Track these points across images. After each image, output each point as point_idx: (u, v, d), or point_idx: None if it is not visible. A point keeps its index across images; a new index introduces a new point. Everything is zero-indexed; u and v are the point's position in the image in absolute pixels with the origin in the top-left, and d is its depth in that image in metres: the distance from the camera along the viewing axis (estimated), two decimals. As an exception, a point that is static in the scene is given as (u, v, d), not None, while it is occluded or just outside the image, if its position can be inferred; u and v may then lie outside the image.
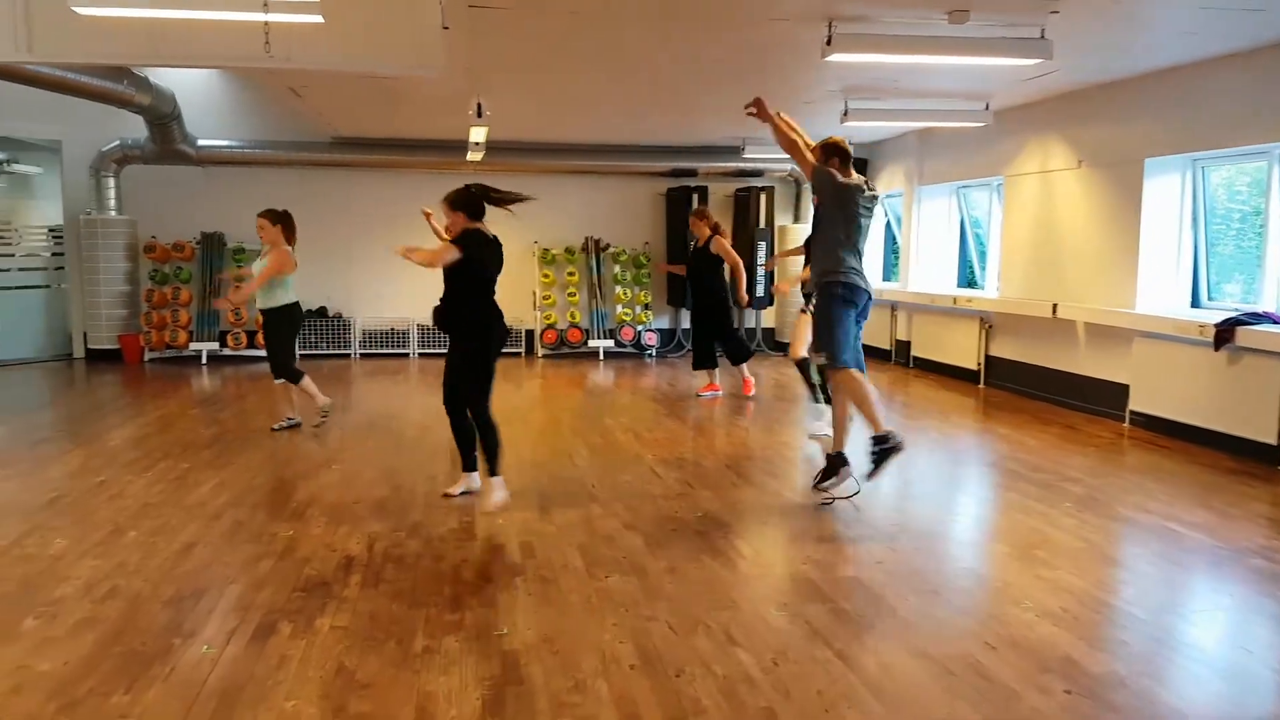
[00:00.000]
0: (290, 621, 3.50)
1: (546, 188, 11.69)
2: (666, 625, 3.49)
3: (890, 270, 12.15)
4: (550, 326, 11.74)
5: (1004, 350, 9.22)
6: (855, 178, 5.15)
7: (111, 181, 10.67)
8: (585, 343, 11.75)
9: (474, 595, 3.78)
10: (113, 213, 10.71)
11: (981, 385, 9.41)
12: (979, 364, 9.49)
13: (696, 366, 8.77)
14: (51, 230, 11.33)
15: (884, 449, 4.95)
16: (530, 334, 11.87)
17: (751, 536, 4.61)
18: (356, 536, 4.51)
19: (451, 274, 4.95)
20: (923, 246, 10.82)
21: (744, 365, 8.62)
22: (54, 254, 11.30)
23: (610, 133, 10.79)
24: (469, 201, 4.97)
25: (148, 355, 10.88)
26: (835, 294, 5.01)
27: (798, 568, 4.17)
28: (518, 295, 11.06)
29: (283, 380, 6.93)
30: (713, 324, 8.51)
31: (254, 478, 5.63)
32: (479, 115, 8.23)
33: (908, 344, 10.88)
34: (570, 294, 11.92)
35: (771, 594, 3.86)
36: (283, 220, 6.80)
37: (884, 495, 5.54)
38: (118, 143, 10.46)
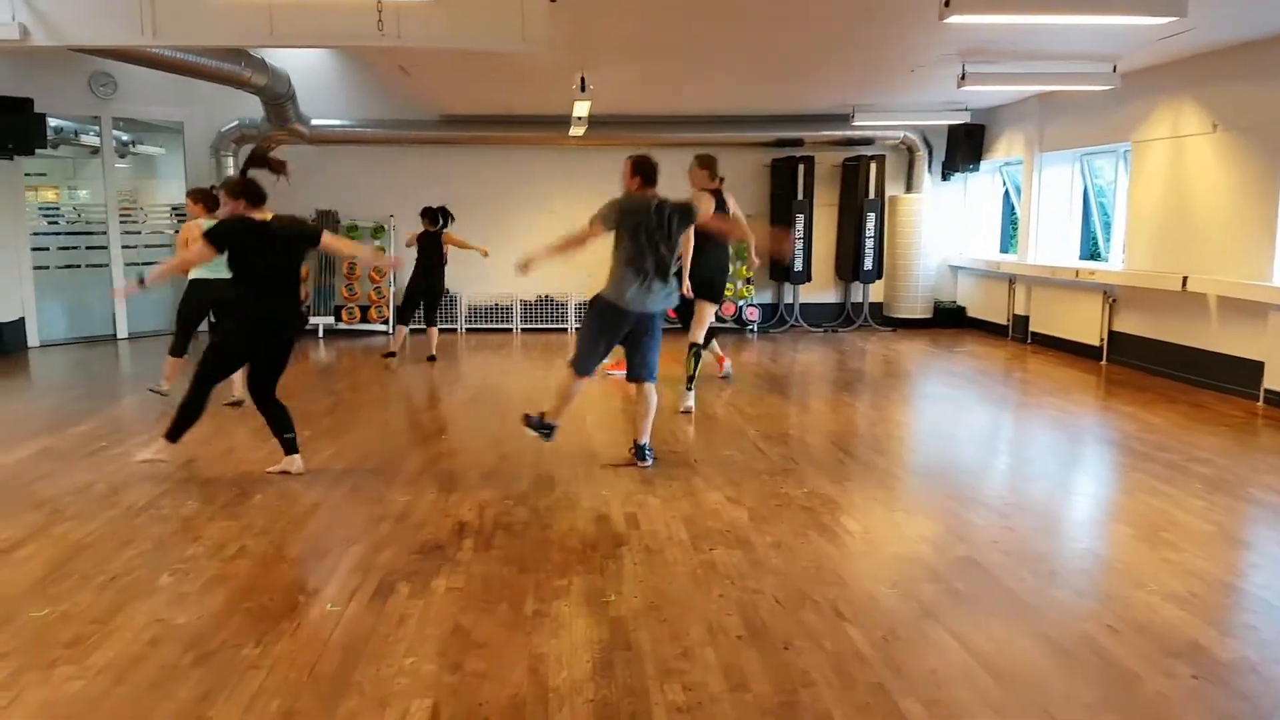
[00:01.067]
0: (408, 582, 3.61)
1: (648, 161, 11.77)
2: (773, 599, 3.46)
3: (1008, 242, 11.72)
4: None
5: (1129, 325, 8.80)
6: (649, 194, 5.17)
7: (230, 161, 11.10)
8: (686, 317, 11.72)
9: (581, 562, 3.83)
10: (234, 191, 11.15)
11: (1104, 362, 9.01)
12: (1102, 339, 9.08)
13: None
14: (174, 209, 11.89)
15: (543, 428, 5.30)
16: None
17: (859, 514, 4.53)
18: (468, 503, 4.62)
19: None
20: (1043, 217, 10.38)
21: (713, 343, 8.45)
22: (176, 231, 11.85)
23: (712, 103, 10.67)
24: (244, 188, 5.10)
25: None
26: (599, 307, 5.17)
27: (909, 546, 4.08)
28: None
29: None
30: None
31: (369, 445, 5.83)
32: (582, 90, 8.25)
33: (1026, 319, 10.49)
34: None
35: (881, 572, 3.79)
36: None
37: (999, 474, 5.40)
38: (236, 123, 10.88)
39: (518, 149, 11.55)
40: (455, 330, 11.77)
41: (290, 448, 5.17)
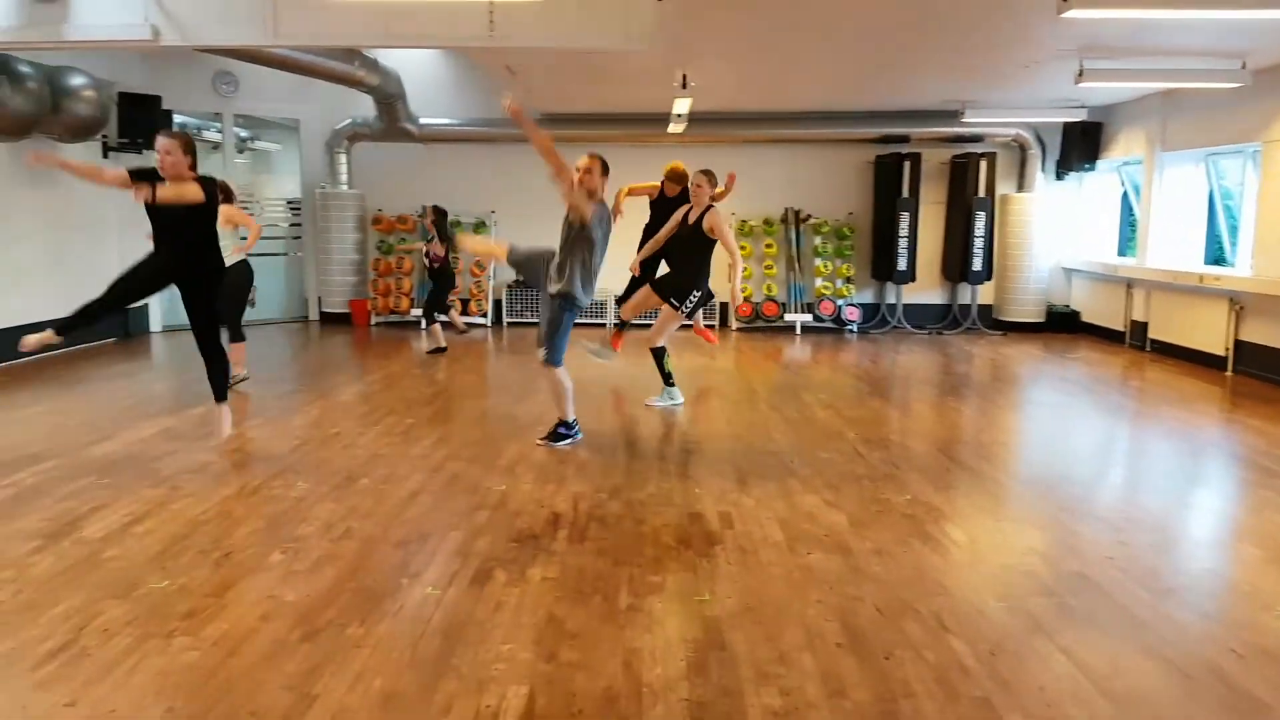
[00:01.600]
0: (505, 570, 3.66)
1: (745, 158, 11.61)
2: (874, 607, 3.38)
3: (1126, 244, 11.22)
4: (745, 300, 11.66)
5: (1257, 334, 8.32)
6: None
7: (343, 158, 11.48)
8: (781, 316, 11.59)
9: (674, 560, 3.81)
10: (344, 187, 11.53)
11: (1229, 372, 8.54)
12: (1227, 349, 8.61)
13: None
14: (289, 202, 12.36)
15: (565, 434, 5.64)
16: (724, 306, 11.84)
17: (965, 523, 4.39)
18: (562, 495, 4.65)
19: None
20: (1164, 219, 9.90)
21: None
22: (292, 224, 12.32)
23: (815, 100, 10.52)
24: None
25: (374, 319, 11.69)
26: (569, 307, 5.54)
27: (1018, 558, 3.94)
28: (714, 267, 11.03)
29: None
30: None
31: (469, 434, 5.93)
32: (683, 87, 8.23)
33: (1144, 325, 10.02)
34: (767, 266, 11.77)
35: (988, 584, 3.66)
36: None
37: (1114, 487, 5.17)
38: (349, 121, 11.24)
39: (616, 147, 11.57)
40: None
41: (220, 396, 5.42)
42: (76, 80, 8.45)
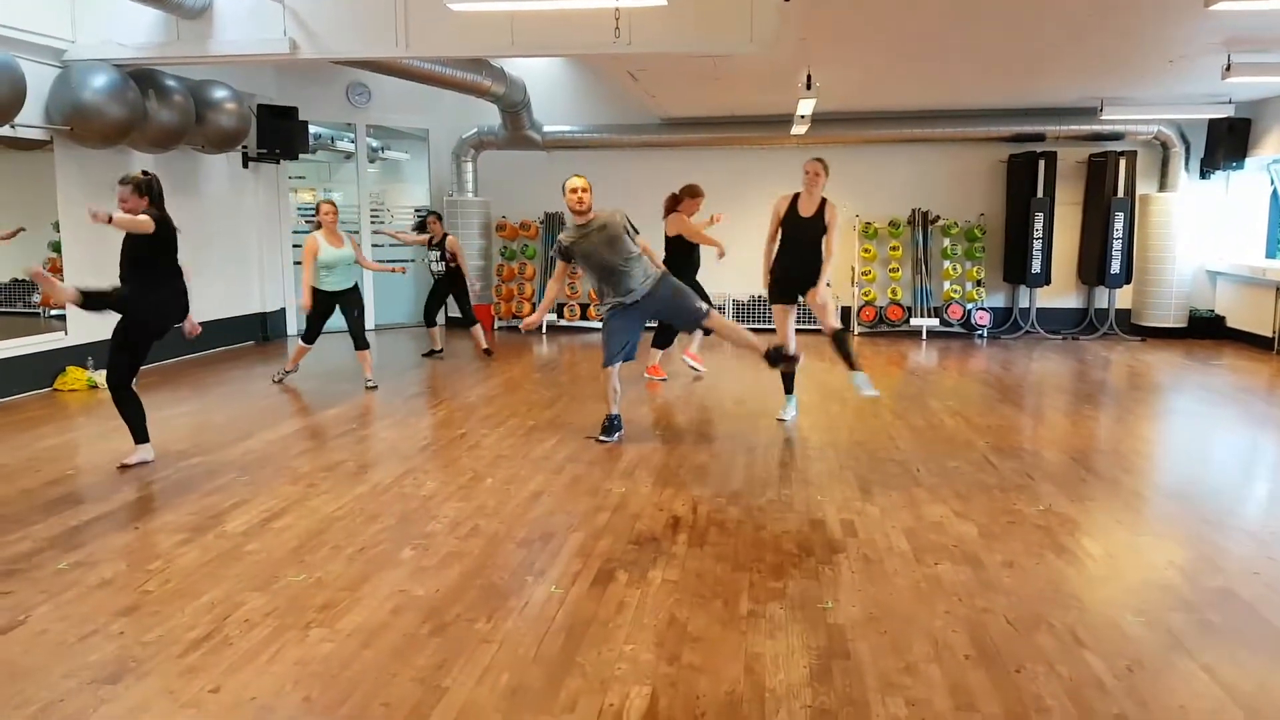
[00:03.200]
0: (626, 571, 3.70)
1: (869, 158, 11.45)
2: (1004, 619, 3.27)
3: (1275, 246, 10.51)
4: (869, 303, 11.44)
5: None
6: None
7: (470, 166, 11.80)
8: (906, 320, 11.31)
9: (796, 566, 3.78)
10: (470, 194, 11.86)
11: (1394, 382, 7.91)
12: (1391, 357, 7.97)
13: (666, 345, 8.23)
14: (418, 210, 12.80)
15: (610, 427, 5.97)
16: (846, 310, 11.64)
17: (1101, 535, 4.20)
18: (681, 498, 4.67)
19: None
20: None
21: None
22: (419, 230, 12.74)
23: (943, 97, 10.22)
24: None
25: (497, 324, 11.99)
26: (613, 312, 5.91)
27: (1158, 573, 3.74)
28: (836, 270, 10.86)
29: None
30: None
31: (588, 437, 6.02)
32: (808, 87, 8.13)
33: (1298, 332, 9.38)
34: (892, 269, 11.51)
35: (1125, 598, 3.50)
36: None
37: (1260, 500, 4.85)
38: (475, 130, 11.55)
39: (737, 149, 11.57)
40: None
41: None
42: (219, 93, 8.89)
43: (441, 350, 9.67)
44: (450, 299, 9.66)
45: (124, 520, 4.41)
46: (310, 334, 7.85)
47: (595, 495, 4.74)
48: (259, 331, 10.71)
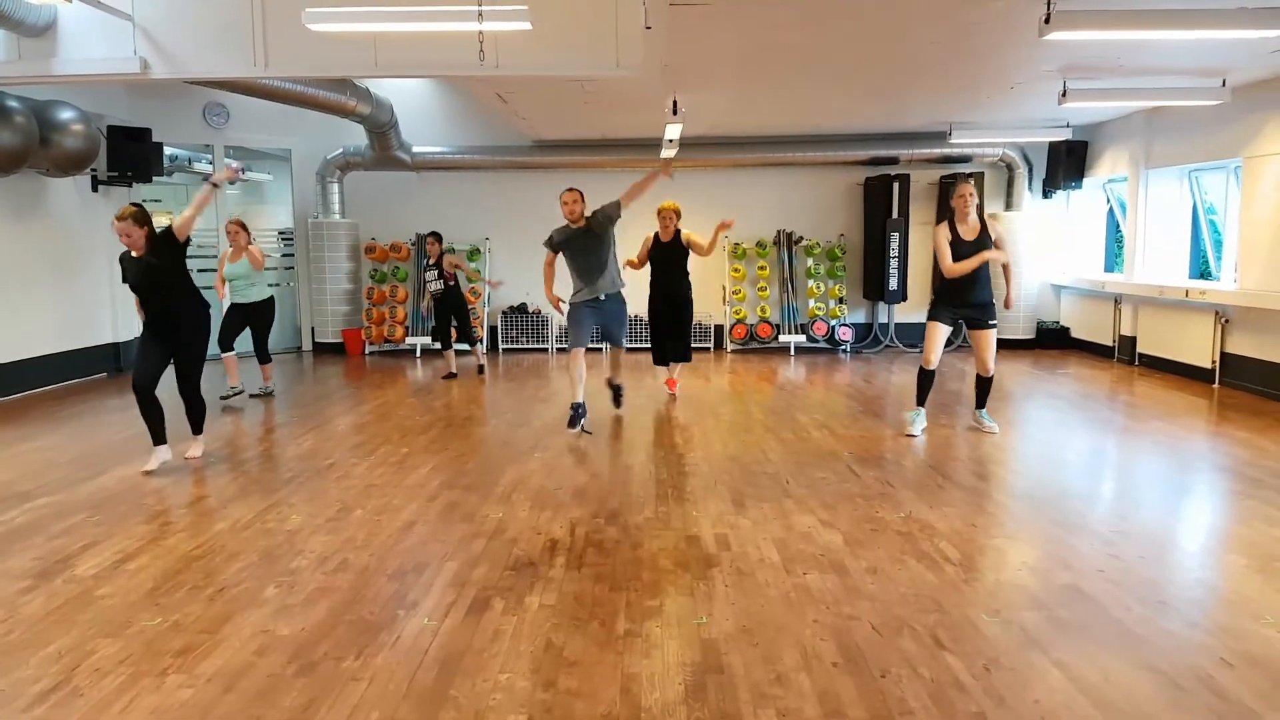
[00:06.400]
0: (502, 598, 3.66)
1: (737, 181, 11.75)
2: (869, 625, 3.39)
3: (1113, 260, 11.32)
4: (739, 321, 11.71)
5: (1242, 347, 8.39)
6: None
7: (335, 187, 11.53)
8: (775, 338, 11.64)
9: (672, 583, 3.82)
10: (336, 216, 11.58)
11: (1216, 385, 8.60)
12: (1213, 362, 8.68)
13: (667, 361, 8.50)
14: (281, 233, 12.39)
15: (574, 418, 6.68)
16: (719, 329, 11.89)
17: (958, 540, 4.41)
18: (559, 521, 4.66)
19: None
20: (1150, 234, 10.00)
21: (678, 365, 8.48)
22: (284, 255, 12.35)
23: (804, 123, 10.62)
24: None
25: (368, 348, 11.70)
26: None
27: (1010, 574, 3.96)
28: (708, 289, 11.10)
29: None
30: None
31: (465, 463, 5.94)
32: (674, 113, 8.30)
33: (1133, 340, 10.09)
34: (760, 288, 11.83)
35: (982, 599, 3.68)
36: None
37: (1105, 500, 5.19)
38: (341, 151, 11.30)
39: (609, 172, 11.68)
40: (546, 350, 11.92)
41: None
42: (65, 114, 8.48)
43: (455, 374, 9.75)
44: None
45: (-45, 570, 4.09)
46: (224, 341, 8.24)
47: (471, 522, 4.67)
48: (112, 362, 10.12)
